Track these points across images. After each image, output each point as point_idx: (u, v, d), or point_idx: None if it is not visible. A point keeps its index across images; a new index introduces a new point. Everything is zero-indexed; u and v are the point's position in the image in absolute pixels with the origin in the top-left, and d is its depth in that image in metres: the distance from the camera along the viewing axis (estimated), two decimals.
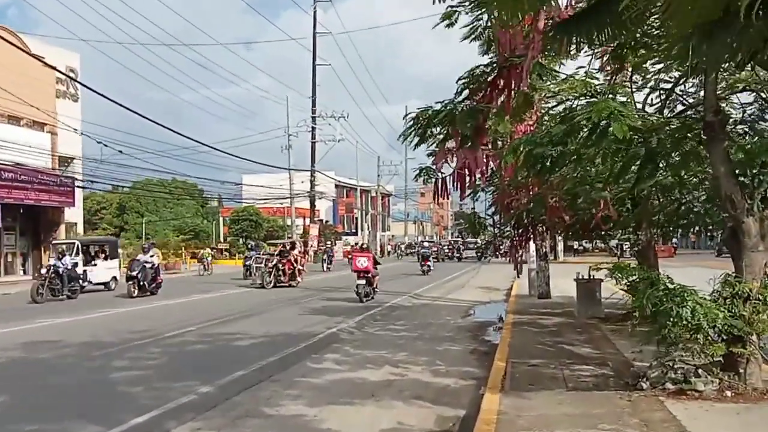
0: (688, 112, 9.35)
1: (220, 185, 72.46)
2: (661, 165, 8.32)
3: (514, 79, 7.66)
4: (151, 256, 22.49)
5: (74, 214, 35.25)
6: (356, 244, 47.08)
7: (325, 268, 40.56)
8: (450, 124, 7.72)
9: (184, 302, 20.14)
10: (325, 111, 57.35)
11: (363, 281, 19.11)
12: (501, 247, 15.46)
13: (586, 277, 14.46)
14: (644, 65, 10.31)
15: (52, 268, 20.31)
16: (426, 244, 57.61)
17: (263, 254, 27.44)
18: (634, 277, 7.51)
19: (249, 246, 37.83)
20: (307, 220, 59.05)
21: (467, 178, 11.17)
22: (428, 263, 34.25)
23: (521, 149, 7.85)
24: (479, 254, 56.92)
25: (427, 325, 14.41)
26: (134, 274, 21.10)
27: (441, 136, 7.89)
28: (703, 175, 11.45)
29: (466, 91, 7.97)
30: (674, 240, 39.36)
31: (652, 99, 10.57)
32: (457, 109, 7.75)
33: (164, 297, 21.09)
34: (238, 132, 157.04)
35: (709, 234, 14.24)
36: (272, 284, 24.62)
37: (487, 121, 9.55)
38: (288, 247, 27.34)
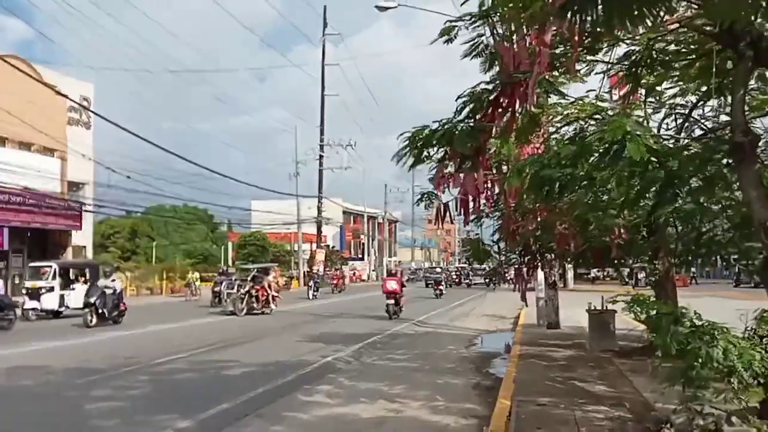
0: (708, 136, 8.78)
1: (228, 210, 72.27)
2: (681, 190, 7.68)
3: (519, 97, 7.11)
4: (113, 281, 20.83)
5: (83, 238, 34.96)
6: (384, 270, 46.39)
7: (310, 296, 35.89)
8: (448, 144, 7.14)
9: (140, 334, 17.80)
10: (333, 140, 57.31)
11: (392, 301, 21.68)
12: (506, 274, 14.91)
13: (598, 307, 13.79)
14: (659, 87, 9.82)
15: None
16: (438, 270, 57.14)
17: (235, 280, 25.25)
18: (655, 312, 6.84)
19: (220, 271, 34.71)
20: (314, 246, 58.65)
21: (471, 203, 10.79)
22: (440, 287, 36.31)
23: (527, 171, 7.28)
24: (487, 281, 56.04)
25: (429, 354, 13.72)
26: (92, 300, 19.21)
27: (438, 156, 7.26)
28: (727, 201, 10.88)
29: (467, 110, 7.42)
30: (692, 269, 38.39)
31: (668, 123, 10.03)
32: (456, 128, 7.19)
33: (126, 326, 19.30)
34: (251, 160, 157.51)
35: (726, 263, 13.50)
36: (244, 311, 23.01)
37: (490, 142, 9.03)
38: (262, 272, 25.48)
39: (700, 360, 6.17)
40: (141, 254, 54.31)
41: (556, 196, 7.34)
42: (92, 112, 29.17)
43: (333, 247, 65.48)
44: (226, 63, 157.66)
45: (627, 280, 41.47)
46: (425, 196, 12.24)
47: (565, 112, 10.29)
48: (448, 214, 11.13)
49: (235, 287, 23.79)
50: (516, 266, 14.64)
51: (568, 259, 16.49)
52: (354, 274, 52.11)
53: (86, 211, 30.15)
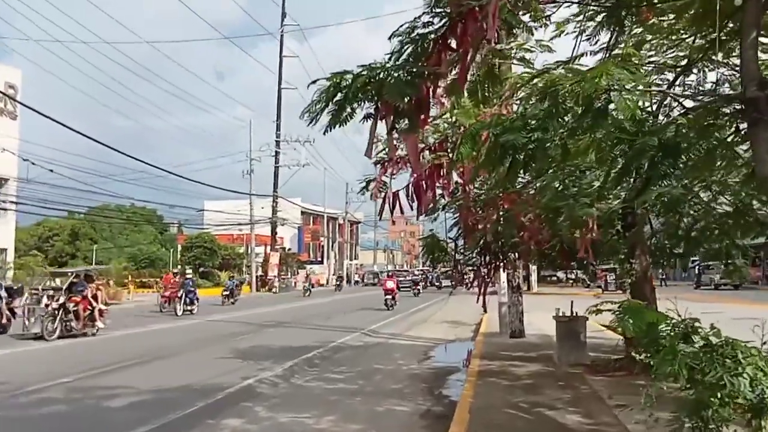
0: (710, 98, 7.00)
1: (180, 212, 69.51)
2: (677, 165, 5.78)
3: (473, 34, 5.22)
4: None
5: (4, 240, 32.18)
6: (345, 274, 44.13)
7: (226, 303, 31.36)
8: (378, 95, 5.16)
9: None
10: (291, 136, 55.12)
11: (389, 296, 28.16)
12: (465, 277, 13.16)
13: (567, 314, 11.99)
14: (649, 39, 8.04)
15: None
16: (405, 272, 55.54)
17: (43, 289, 18.49)
18: (662, 326, 4.89)
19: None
20: (270, 248, 56.26)
21: (425, 190, 8.90)
22: (418, 287, 42.27)
23: (485, 136, 5.37)
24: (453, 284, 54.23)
25: (373, 372, 11.71)
26: None
27: (364, 114, 5.25)
28: (719, 186, 9.19)
29: (405, 54, 5.45)
30: (659, 271, 37.26)
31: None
32: (390, 74, 5.21)
33: None
34: (213, 160, 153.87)
35: (708, 260, 11.88)
36: (56, 333, 16.64)
37: (437, 101, 7.17)
38: (82, 278, 18.86)
39: (720, 394, 4.38)
40: (80, 258, 51.33)
41: (520, 169, 5.43)
42: (14, 100, 26.53)
43: (289, 249, 63.07)
44: (187, 60, 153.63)
45: (589, 282, 40.10)
46: (370, 184, 10.35)
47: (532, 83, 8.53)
48: (398, 204, 9.31)
49: (42, 300, 17.24)
50: (475, 268, 12.73)
51: (533, 260, 14.69)
52: (308, 277, 49.83)
53: (2, 209, 27.35)
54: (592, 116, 4.93)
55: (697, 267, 44.31)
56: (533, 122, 5.24)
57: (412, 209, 9.20)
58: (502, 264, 12.67)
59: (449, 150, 8.32)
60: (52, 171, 25.92)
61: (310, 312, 27.17)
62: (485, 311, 17.28)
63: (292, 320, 22.34)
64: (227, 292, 32.08)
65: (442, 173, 8.75)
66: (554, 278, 52.54)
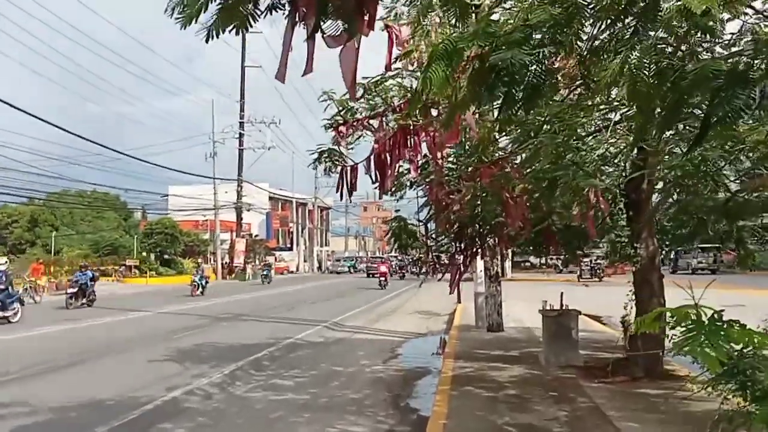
0: None
1: (146, 197, 66.98)
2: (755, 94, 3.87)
3: None
4: None
5: None
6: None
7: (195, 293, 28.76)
8: None
9: None
10: (255, 117, 52.82)
11: (383, 278, 34.20)
12: (438, 265, 11.45)
13: (555, 307, 10.36)
14: None
15: None
16: (383, 258, 53.75)
17: None
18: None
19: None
20: (235, 234, 54.10)
21: (391, 165, 7.35)
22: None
23: (465, 54, 3.59)
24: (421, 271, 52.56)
25: (330, 377, 9.91)
26: None
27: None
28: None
29: None
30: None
31: None
32: None
33: None
34: (179, 144, 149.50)
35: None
36: None
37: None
38: None
39: None
40: (40, 245, 48.60)
41: (523, 106, 3.66)
42: None
43: (257, 236, 60.87)
44: (155, 44, 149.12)
45: (561, 268, 38.70)
46: (324, 155, 8.63)
47: None
48: (355, 179, 7.68)
49: None
50: (449, 254, 10.97)
51: (515, 244, 12.96)
52: (266, 265, 48.03)
53: None
54: (636, 19, 3.17)
55: (674, 251, 43.51)
56: (538, 35, 3.48)
57: (374, 185, 7.54)
58: (479, 250, 10.92)
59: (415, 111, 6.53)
60: None
61: (274, 302, 25.23)
62: (459, 301, 15.63)
63: (250, 312, 20.42)
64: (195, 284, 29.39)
65: (408, 141, 7.07)
66: (527, 264, 51.20)
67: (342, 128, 8.06)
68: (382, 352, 12.57)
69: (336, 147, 8.40)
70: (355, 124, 7.96)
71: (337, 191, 7.83)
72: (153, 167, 54.68)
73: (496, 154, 7.70)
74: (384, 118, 7.74)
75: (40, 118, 25.42)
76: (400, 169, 8.83)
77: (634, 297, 9.14)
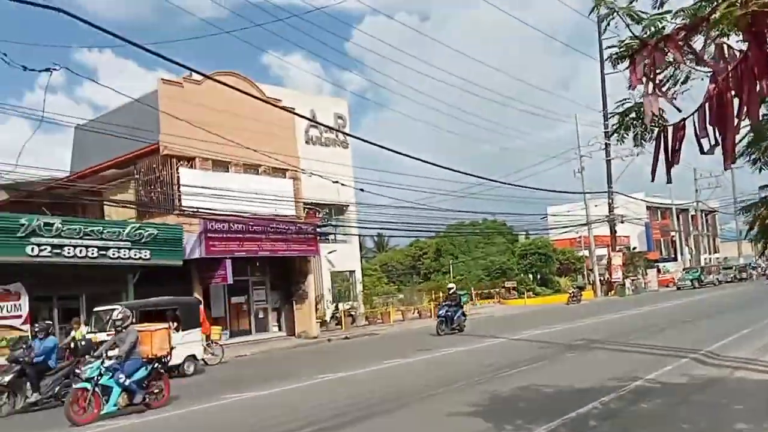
0: None
1: (527, 219, 68.92)
2: None
3: None
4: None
5: (352, 262, 34.46)
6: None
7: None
8: None
9: None
10: None
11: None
12: None
13: None
14: None
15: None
16: None
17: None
18: None
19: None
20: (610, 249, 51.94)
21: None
22: None
23: None
24: None
25: None
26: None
27: None
28: None
29: None
30: None
31: None
32: None
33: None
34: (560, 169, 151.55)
35: None
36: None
37: None
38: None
39: None
40: (441, 272, 53.88)
41: None
42: (326, 126, 28.52)
43: (634, 248, 57.50)
44: (527, 76, 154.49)
45: None
46: (628, 116, 5.37)
47: None
48: (678, 145, 4.61)
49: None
50: None
51: None
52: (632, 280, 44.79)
53: (323, 234, 29.12)
54: None
55: None
56: None
57: (707, 151, 4.38)
58: None
59: None
60: (362, 190, 26.48)
61: (640, 323, 23.06)
62: None
63: (606, 337, 18.84)
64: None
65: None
66: None
67: (643, 56, 4.52)
68: None
69: (644, 97, 4.71)
70: (663, 44, 4.50)
71: (653, 171, 4.76)
72: (533, 191, 55.93)
73: None
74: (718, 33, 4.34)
75: (428, 161, 27.72)
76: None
77: None
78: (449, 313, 23.56)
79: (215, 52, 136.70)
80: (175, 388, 13.50)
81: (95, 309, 16.35)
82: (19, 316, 17.68)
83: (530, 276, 48.26)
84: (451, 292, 24.94)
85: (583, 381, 11.76)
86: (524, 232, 62.03)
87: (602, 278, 50.77)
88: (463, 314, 24.42)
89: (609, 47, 5.11)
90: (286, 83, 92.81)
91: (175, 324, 16.73)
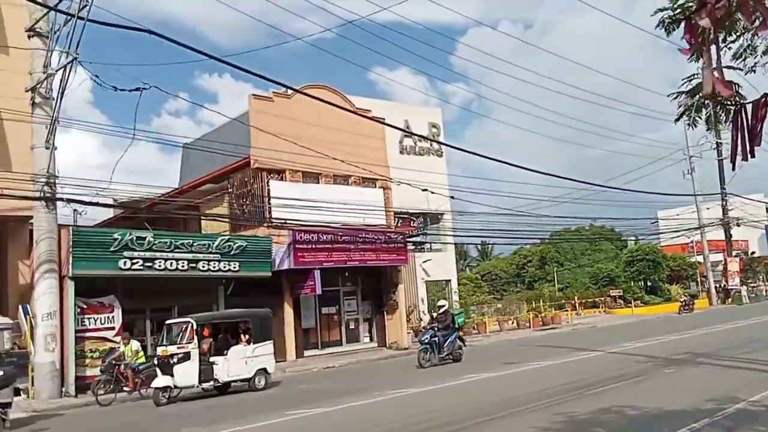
0: None
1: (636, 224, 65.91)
2: None
3: None
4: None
5: (447, 271, 34.07)
6: None
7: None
8: None
9: None
10: None
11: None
12: None
13: None
14: None
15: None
16: None
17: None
18: None
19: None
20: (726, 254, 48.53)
21: None
22: None
23: None
24: None
25: None
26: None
27: None
28: None
29: None
30: None
31: None
32: None
33: None
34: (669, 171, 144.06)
35: None
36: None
37: None
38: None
39: None
40: (546, 280, 52.32)
41: None
42: (416, 134, 28.30)
43: (752, 252, 53.50)
44: (634, 78, 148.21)
45: None
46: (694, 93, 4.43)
47: None
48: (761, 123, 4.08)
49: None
50: None
51: None
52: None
53: (415, 242, 28.83)
54: None
55: None
56: None
57: None
58: None
59: None
60: (453, 198, 26.01)
61: (758, 333, 21.22)
62: None
63: (714, 351, 17.39)
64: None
65: None
66: None
67: (701, 17, 3.68)
68: None
69: (703, 69, 4.12)
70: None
71: (731, 155, 4.43)
72: (641, 195, 53.44)
73: None
74: None
75: (531, 168, 27.16)
76: None
77: None
78: (435, 339, 18.92)
79: (322, 72, 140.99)
80: (240, 402, 13.36)
81: (167, 321, 16.66)
82: (112, 328, 18.46)
83: (638, 284, 45.91)
84: (441, 311, 20.04)
85: (675, 402, 10.58)
86: (633, 238, 59.19)
87: (718, 285, 47.57)
88: (460, 338, 19.90)
89: (659, 10, 4.50)
90: (393, 98, 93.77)
91: (247, 337, 16.82)
